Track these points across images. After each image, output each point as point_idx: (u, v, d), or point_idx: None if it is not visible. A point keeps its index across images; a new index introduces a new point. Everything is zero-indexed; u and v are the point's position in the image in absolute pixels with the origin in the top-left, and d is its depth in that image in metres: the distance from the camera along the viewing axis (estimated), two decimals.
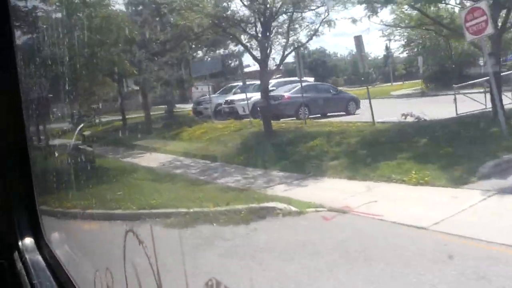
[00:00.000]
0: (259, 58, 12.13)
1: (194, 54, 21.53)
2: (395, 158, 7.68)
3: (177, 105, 30.85)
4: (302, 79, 18.96)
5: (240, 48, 24.69)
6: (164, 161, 10.62)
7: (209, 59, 22.58)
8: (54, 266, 1.99)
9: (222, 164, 9.73)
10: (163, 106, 28.23)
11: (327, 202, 6.24)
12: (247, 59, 28.16)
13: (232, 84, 20.67)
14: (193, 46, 20.15)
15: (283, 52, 12.48)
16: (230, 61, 25.43)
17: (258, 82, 21.11)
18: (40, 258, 2.00)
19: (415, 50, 22.85)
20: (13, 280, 1.87)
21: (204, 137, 12.42)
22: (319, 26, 12.16)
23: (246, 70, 28.17)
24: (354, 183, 7.27)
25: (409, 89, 21.49)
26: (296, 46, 13.05)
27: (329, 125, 11.19)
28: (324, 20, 12.00)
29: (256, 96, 15.80)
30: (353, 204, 6.09)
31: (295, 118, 14.23)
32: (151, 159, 10.94)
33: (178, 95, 22.53)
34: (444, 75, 20.23)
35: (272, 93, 15.76)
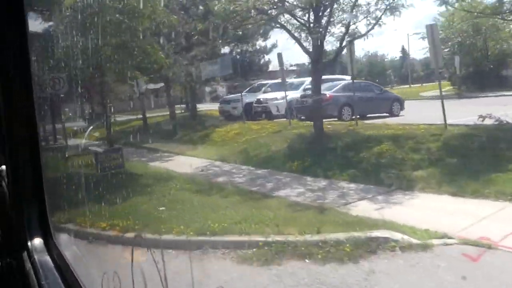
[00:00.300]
0: (310, 50, 10.71)
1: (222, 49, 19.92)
2: (507, 170, 6.44)
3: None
4: (338, 77, 17.22)
5: (266, 43, 23.03)
6: (199, 166, 9.78)
7: (237, 56, 21.50)
8: (62, 267, 1.97)
9: (270, 172, 8.77)
10: (179, 106, 27.81)
11: (449, 229, 4.79)
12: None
13: (261, 82, 19.51)
14: (220, 41, 18.67)
15: (340, 43, 10.86)
16: (257, 58, 23.92)
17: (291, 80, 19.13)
18: (48, 258, 1.99)
19: (449, 49, 21.12)
20: (22, 280, 1.89)
21: (239, 139, 11.68)
22: (382, 14, 10.31)
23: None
24: (465, 202, 5.86)
25: (434, 91, 19.71)
26: (355, 36, 11.19)
27: (386, 127, 10.13)
28: (389, 6, 10.11)
29: (293, 94, 14.92)
30: (491, 234, 4.56)
31: (336, 119, 13.27)
32: (183, 164, 9.93)
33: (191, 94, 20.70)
34: (479, 76, 19.39)
35: (308, 92, 14.39)
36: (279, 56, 14.36)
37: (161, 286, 2.09)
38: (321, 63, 10.68)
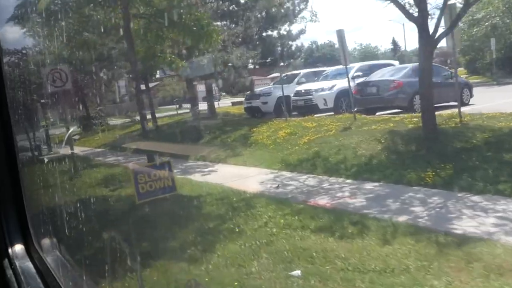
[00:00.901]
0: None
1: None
2: None
3: (184, 105, 28.15)
4: (384, 62, 15.76)
5: (291, 29, 20.11)
6: (265, 180, 7.74)
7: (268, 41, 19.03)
8: (44, 273, 1.94)
9: (387, 186, 6.41)
10: (174, 106, 26.08)
11: None
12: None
13: (293, 72, 17.12)
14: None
15: (441, 12, 8.48)
16: (281, 45, 20.80)
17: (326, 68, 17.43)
18: (30, 265, 1.97)
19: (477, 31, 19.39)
20: (3, 287, 1.87)
21: (297, 141, 9.98)
22: None
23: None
24: None
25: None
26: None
27: (494, 118, 8.47)
28: None
29: (340, 84, 13.17)
30: None
31: (401, 111, 11.46)
32: (237, 176, 8.12)
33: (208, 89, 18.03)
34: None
35: (365, 79, 13.00)
36: (340, 33, 11.17)
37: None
38: (428, 36, 8.12)
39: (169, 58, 10.94)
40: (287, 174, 8.07)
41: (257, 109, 15.63)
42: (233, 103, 27.67)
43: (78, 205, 5.83)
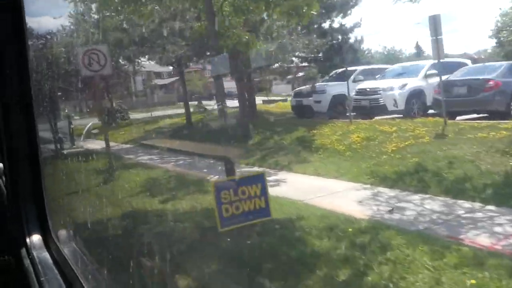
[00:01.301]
0: None
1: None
2: None
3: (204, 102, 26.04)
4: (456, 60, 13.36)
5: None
6: (358, 196, 6.31)
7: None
8: (61, 263, 1.95)
9: None
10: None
11: None
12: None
13: (349, 69, 14.54)
14: None
15: None
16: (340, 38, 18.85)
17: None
18: (47, 255, 2.00)
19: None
20: (21, 277, 1.91)
21: (381, 148, 8.57)
22: None
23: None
24: None
25: None
26: None
27: None
28: None
29: (411, 83, 11.58)
30: None
31: (487, 115, 9.75)
32: (317, 191, 6.63)
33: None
34: None
35: (448, 78, 10.86)
36: (435, 19, 9.30)
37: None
38: None
39: (246, 38, 8.18)
40: (387, 191, 6.49)
41: (308, 108, 14.00)
42: (265, 101, 26.36)
43: (121, 222, 4.83)
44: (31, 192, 2.08)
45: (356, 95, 12.75)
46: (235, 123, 12.72)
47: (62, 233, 2.27)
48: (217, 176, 7.17)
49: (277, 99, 26.71)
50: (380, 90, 12.19)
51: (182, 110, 17.82)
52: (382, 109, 11.91)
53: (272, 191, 5.71)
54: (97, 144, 13.83)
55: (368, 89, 12.65)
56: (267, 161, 8.93)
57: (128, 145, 14.84)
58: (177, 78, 29.26)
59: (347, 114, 11.82)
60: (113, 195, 6.95)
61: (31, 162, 2.09)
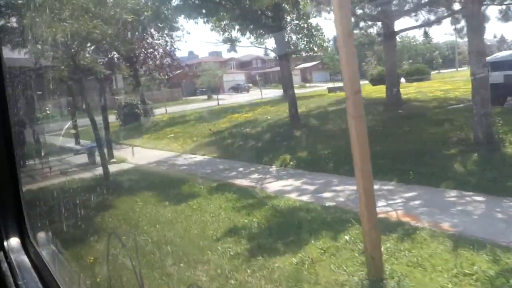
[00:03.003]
0: None
1: None
2: None
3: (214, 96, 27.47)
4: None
5: None
6: None
7: None
8: (40, 266, 1.98)
9: None
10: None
11: None
12: None
13: None
14: None
15: None
16: None
17: None
18: (25, 258, 2.00)
19: None
20: None
21: None
22: None
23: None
24: None
25: None
26: None
27: None
28: None
29: None
30: None
31: None
32: None
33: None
34: None
35: None
36: None
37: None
38: None
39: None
40: None
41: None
42: (330, 89, 26.38)
43: None
44: (8, 195, 2.03)
45: None
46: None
47: (41, 235, 2.27)
48: None
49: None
50: None
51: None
52: None
53: None
54: (128, 153, 13.07)
55: None
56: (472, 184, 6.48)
57: (194, 156, 12.58)
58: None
59: None
60: None
61: (8, 165, 2.04)
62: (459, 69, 36.95)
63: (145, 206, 7.40)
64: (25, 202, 2.11)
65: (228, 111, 20.84)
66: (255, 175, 9.43)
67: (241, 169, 10.21)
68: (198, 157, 12.36)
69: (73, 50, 9.76)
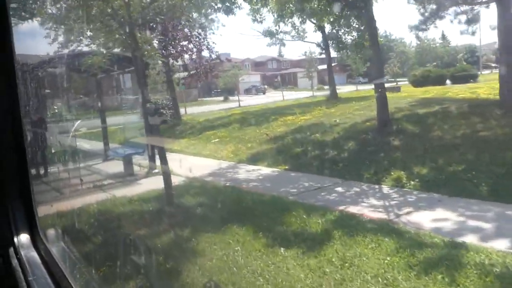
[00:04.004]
0: None
1: None
2: None
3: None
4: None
5: None
6: None
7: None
8: (49, 263, 1.93)
9: None
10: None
11: None
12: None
13: None
14: None
15: None
16: None
17: None
18: (35, 254, 1.97)
19: None
20: (8, 276, 1.87)
21: None
22: None
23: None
24: None
25: None
26: None
27: None
28: None
29: None
30: None
31: None
32: None
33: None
34: None
35: None
36: None
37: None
38: None
39: None
40: None
41: None
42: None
43: None
44: (18, 191, 2.05)
45: None
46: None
47: (51, 232, 2.23)
48: None
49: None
50: None
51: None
52: None
53: None
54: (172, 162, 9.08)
55: None
56: None
57: (257, 167, 10.47)
58: None
59: None
60: None
61: (18, 161, 2.07)
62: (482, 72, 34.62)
63: (248, 255, 4.95)
64: (35, 198, 2.08)
65: (268, 113, 18.39)
66: (371, 200, 7.42)
67: (338, 188, 8.15)
68: (264, 169, 10.24)
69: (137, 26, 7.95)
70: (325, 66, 30.56)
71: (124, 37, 8.11)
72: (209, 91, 41.01)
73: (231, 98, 34.37)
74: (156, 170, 9.65)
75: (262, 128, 14.82)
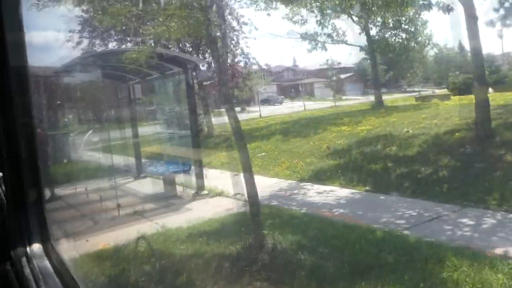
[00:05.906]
0: None
1: None
2: None
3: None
4: None
5: None
6: None
7: None
8: (62, 272, 1.91)
9: None
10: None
11: None
12: None
13: None
14: None
15: None
16: None
17: None
18: (48, 264, 1.95)
19: None
20: (21, 286, 1.86)
21: None
22: None
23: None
24: None
25: None
26: None
27: None
28: None
29: None
30: None
31: None
32: None
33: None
34: None
35: None
36: None
37: None
38: None
39: None
40: None
41: None
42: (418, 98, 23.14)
43: None
44: (31, 201, 2.05)
45: None
46: None
47: (63, 242, 2.22)
48: None
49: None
50: None
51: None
52: None
53: None
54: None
55: None
56: None
57: (328, 188, 8.80)
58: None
59: None
60: None
61: (31, 170, 2.08)
62: None
63: None
64: (47, 207, 2.08)
65: (311, 123, 16.58)
66: None
67: (464, 220, 6.19)
68: (339, 191, 8.42)
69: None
70: (342, 76, 30.03)
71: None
72: (224, 101, 40.46)
73: (247, 108, 33.96)
74: (205, 192, 8.47)
75: (314, 140, 13.13)
